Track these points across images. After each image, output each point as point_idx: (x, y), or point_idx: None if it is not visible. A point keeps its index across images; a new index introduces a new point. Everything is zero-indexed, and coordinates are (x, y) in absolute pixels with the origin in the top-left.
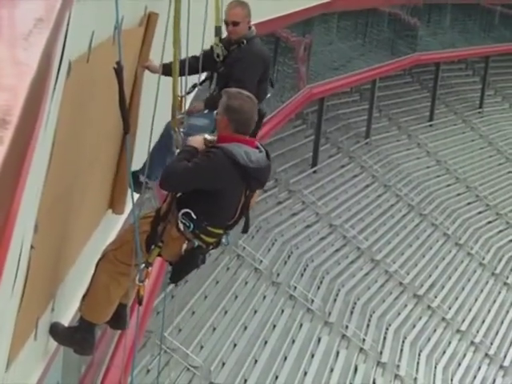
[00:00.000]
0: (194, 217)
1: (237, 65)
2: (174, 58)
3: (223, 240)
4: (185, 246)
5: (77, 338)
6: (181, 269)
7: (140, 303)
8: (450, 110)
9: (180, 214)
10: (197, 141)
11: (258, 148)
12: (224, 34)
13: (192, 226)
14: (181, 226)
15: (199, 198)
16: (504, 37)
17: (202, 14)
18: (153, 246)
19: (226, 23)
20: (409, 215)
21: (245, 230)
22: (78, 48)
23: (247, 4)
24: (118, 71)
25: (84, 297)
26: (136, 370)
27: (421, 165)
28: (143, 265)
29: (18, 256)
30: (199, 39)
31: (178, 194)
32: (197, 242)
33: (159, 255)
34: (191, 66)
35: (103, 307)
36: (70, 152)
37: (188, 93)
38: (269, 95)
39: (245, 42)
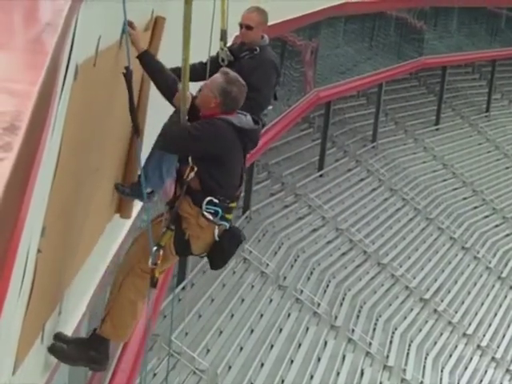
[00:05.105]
0: (217, 201)
1: (253, 74)
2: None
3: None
4: (216, 231)
5: (91, 355)
6: (224, 252)
7: (155, 286)
8: (456, 113)
9: (204, 205)
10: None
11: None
12: (229, 39)
13: (220, 210)
14: (209, 216)
15: (210, 177)
16: (510, 41)
17: (208, 17)
18: (164, 229)
19: (240, 26)
20: (415, 219)
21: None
22: (85, 52)
23: (266, 13)
24: (127, 76)
25: (105, 318)
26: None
27: (427, 169)
28: (155, 248)
29: (25, 259)
30: (206, 43)
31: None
32: (225, 224)
33: (191, 254)
34: (196, 71)
35: (130, 324)
36: (77, 155)
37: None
38: (271, 107)
39: (258, 49)
